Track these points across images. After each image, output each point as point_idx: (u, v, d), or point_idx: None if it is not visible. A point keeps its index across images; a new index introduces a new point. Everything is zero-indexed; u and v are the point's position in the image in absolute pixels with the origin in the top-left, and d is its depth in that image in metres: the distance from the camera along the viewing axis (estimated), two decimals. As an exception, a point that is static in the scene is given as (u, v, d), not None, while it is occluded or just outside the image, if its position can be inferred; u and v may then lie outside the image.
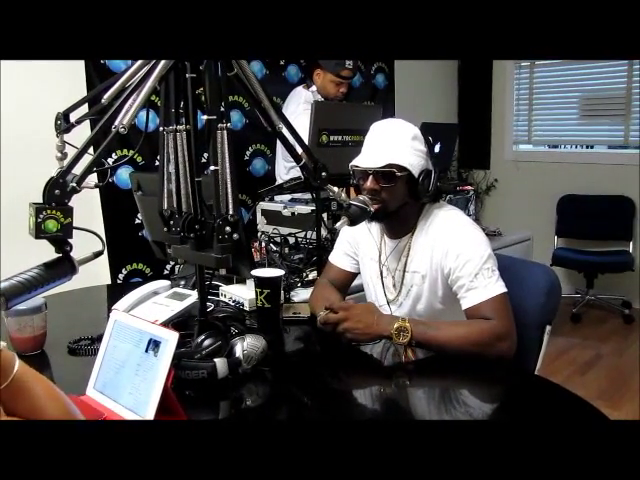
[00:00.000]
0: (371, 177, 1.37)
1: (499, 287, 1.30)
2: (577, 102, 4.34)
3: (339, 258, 1.64)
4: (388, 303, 1.50)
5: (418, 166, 1.36)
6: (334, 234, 1.92)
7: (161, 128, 1.12)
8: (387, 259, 1.50)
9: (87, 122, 1.23)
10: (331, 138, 2.00)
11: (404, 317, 1.31)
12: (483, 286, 1.29)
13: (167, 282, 1.57)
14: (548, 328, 1.43)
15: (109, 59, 2.50)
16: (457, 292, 1.35)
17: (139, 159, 2.68)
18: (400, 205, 1.40)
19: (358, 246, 1.59)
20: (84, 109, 1.23)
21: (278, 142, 2.73)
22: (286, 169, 2.81)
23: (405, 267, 1.45)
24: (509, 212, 4.38)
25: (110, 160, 2.44)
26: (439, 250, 1.37)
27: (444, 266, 1.36)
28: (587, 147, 4.42)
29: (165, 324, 1.31)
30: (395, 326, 1.26)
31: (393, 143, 1.37)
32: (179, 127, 1.09)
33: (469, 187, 2.74)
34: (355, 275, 1.65)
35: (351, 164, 1.41)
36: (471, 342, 1.24)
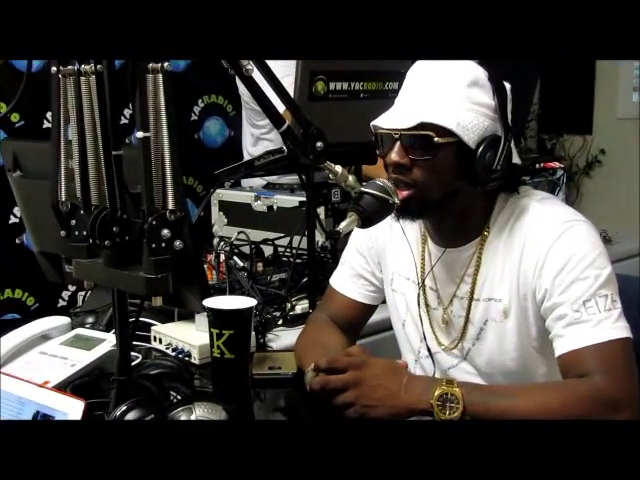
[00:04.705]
0: (398, 144, 1.35)
1: (620, 329, 1.29)
2: None
3: (346, 281, 1.64)
4: (429, 352, 1.50)
5: (476, 129, 1.34)
6: (337, 241, 1.92)
7: (54, 68, 1.13)
8: (436, 279, 1.50)
9: None
10: (331, 86, 1.99)
11: (451, 379, 1.30)
12: (595, 322, 1.28)
13: (64, 320, 1.58)
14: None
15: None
16: (551, 328, 1.34)
17: (15, 118, 2.68)
18: (447, 193, 1.38)
19: (382, 259, 1.60)
20: None
21: (244, 93, 2.73)
22: (253, 137, 2.81)
23: (472, 292, 1.44)
24: (623, 204, 4.34)
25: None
26: (530, 263, 1.36)
27: (537, 287, 1.36)
28: None
29: (62, 388, 1.31)
30: (437, 393, 1.25)
31: (434, 92, 1.36)
32: (85, 67, 1.09)
33: (557, 164, 2.74)
34: (373, 308, 1.66)
35: (373, 123, 1.41)
36: (567, 417, 1.22)
